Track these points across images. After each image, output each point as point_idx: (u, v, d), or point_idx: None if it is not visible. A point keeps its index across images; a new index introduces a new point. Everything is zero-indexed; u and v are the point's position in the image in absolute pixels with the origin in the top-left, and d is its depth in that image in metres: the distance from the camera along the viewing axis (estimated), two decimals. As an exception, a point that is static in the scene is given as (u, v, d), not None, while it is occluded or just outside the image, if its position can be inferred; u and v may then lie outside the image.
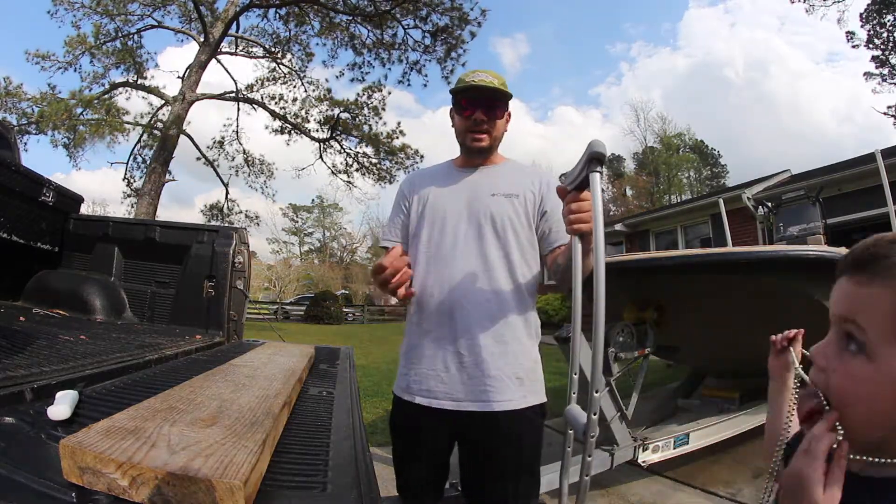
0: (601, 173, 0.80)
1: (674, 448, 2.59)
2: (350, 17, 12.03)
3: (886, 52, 16.24)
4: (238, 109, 13.52)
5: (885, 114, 17.49)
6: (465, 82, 1.21)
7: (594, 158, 0.80)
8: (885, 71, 16.69)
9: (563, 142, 55.70)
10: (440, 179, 1.30)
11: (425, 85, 13.13)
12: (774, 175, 10.80)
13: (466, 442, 1.18)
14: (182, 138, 11.58)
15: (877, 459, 0.45)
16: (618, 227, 12.38)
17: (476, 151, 1.26)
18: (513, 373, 1.14)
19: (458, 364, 1.14)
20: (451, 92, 1.25)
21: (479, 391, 1.12)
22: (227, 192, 14.04)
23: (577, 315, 0.88)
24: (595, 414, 0.74)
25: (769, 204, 5.96)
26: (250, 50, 13.18)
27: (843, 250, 2.65)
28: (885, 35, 15.97)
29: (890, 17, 15.56)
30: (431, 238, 1.22)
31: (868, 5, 15.67)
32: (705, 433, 2.73)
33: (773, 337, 0.70)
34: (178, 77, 11.73)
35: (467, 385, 1.13)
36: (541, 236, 1.23)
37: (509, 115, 1.28)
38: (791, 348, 0.66)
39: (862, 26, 16.20)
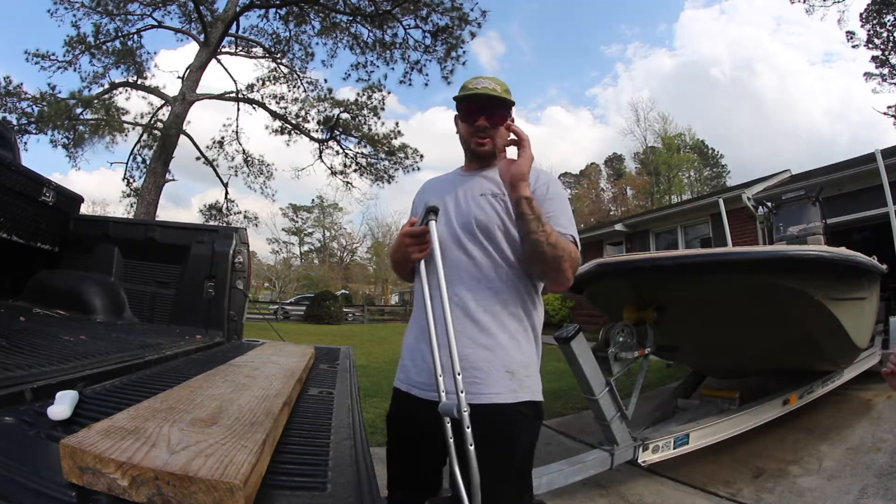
0: (435, 220, 1.14)
1: (674, 448, 2.59)
2: (351, 18, 12.04)
3: (886, 52, 16.24)
4: (238, 109, 13.52)
5: (884, 114, 17.50)
6: (469, 89, 1.25)
7: (430, 210, 1.13)
8: (885, 71, 16.69)
9: (555, 142, 55.96)
10: (444, 184, 1.36)
11: (426, 84, 13.13)
12: (774, 175, 10.78)
13: (455, 437, 1.17)
14: (180, 138, 11.57)
15: None
16: (618, 227, 12.35)
17: (480, 155, 1.30)
18: (503, 366, 1.13)
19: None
20: (455, 99, 1.28)
21: (468, 383, 1.10)
22: (227, 193, 14.04)
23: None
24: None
25: (769, 204, 5.94)
26: (250, 50, 13.18)
27: (843, 250, 2.67)
28: (884, 35, 15.96)
29: (890, 17, 15.55)
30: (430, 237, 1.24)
31: (868, 5, 15.66)
32: (705, 433, 2.73)
33: (885, 370, 1.21)
34: (178, 77, 11.73)
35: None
36: None
37: (512, 120, 1.31)
38: None
39: (862, 26, 16.20)
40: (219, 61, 12.59)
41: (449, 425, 0.99)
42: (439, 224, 1.25)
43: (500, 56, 56.14)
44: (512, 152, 1.24)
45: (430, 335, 1.06)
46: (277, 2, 11.80)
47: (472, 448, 0.94)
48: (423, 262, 1.18)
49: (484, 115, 1.25)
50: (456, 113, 1.32)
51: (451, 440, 1.00)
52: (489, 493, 1.08)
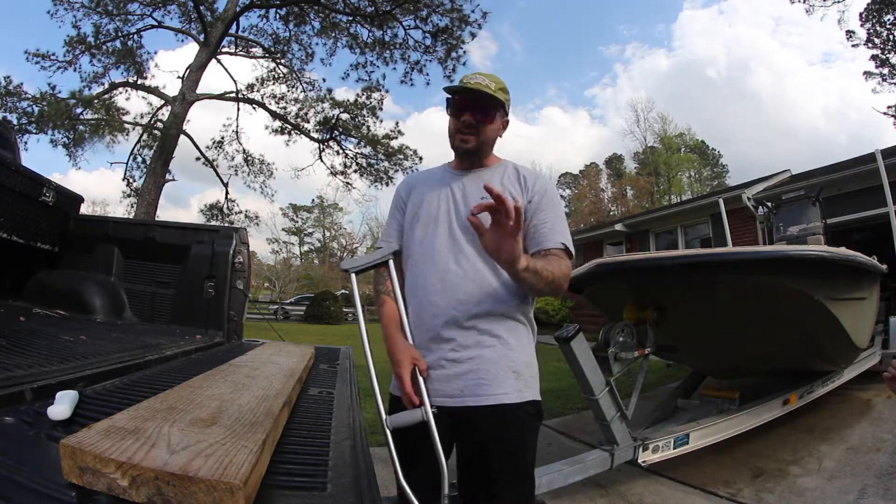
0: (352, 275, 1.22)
1: (674, 448, 2.59)
2: (350, 18, 12.03)
3: (886, 52, 16.22)
4: (238, 109, 13.51)
5: (884, 113, 17.48)
6: (461, 83, 1.22)
7: (344, 270, 1.22)
8: (885, 70, 16.67)
9: (553, 142, 55.99)
10: (435, 182, 1.32)
11: (427, 84, 13.13)
12: (774, 175, 10.78)
13: (463, 440, 1.17)
14: (180, 138, 11.57)
15: None
16: (618, 227, 12.35)
17: (462, 152, 1.27)
18: (508, 366, 1.14)
19: (453, 360, 1.14)
20: (445, 90, 1.25)
21: (474, 385, 1.12)
22: (227, 193, 14.02)
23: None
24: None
25: (769, 204, 5.94)
26: (250, 50, 13.17)
27: (843, 250, 2.67)
28: (884, 34, 15.95)
29: (890, 17, 15.54)
30: (425, 240, 1.24)
31: (868, 5, 15.65)
32: (705, 433, 2.73)
33: (886, 374, 1.28)
34: (178, 77, 11.73)
35: (462, 380, 1.12)
36: (527, 239, 1.21)
37: (506, 121, 1.28)
38: None
39: (861, 25, 16.19)
40: (219, 61, 12.59)
41: (434, 427, 1.04)
42: (442, 227, 1.23)
43: (492, 56, 55.90)
44: (486, 219, 0.94)
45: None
46: (277, 2, 11.80)
47: (439, 444, 1.05)
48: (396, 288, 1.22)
49: (470, 112, 1.21)
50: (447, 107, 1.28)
51: (454, 442, 1.02)
52: (503, 493, 1.10)
